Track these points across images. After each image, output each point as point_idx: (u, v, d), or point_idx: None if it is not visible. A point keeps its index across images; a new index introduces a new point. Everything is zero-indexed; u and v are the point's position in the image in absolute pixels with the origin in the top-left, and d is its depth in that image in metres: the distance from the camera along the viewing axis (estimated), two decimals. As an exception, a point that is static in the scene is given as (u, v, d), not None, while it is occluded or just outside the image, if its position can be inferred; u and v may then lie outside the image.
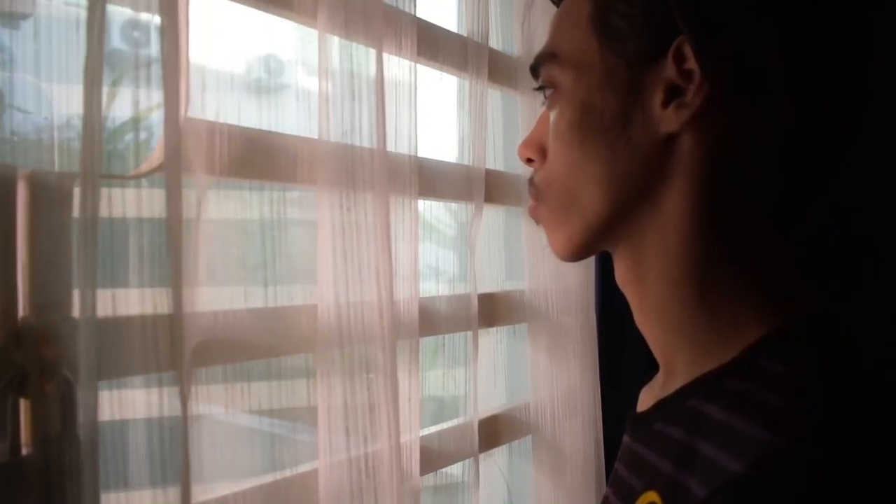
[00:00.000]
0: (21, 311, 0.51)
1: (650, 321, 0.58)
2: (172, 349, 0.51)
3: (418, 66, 0.85)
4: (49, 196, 0.51)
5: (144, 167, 0.60)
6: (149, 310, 0.53)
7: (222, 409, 0.58)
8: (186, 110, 0.61)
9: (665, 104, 0.52)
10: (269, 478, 0.61)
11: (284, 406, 0.61)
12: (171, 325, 0.50)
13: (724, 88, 0.51)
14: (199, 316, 0.57)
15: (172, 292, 0.49)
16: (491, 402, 1.07)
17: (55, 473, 0.50)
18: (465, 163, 0.91)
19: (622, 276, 0.59)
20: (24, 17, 0.56)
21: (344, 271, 0.60)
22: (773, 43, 0.50)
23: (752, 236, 0.54)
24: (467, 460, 0.92)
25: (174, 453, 0.52)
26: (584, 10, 0.56)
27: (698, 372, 0.54)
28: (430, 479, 0.92)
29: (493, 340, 1.08)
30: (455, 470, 0.93)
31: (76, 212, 0.50)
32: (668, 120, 0.52)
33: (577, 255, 0.59)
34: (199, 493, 0.58)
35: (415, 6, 0.77)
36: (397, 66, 0.75)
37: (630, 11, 0.53)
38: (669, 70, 0.52)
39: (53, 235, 0.51)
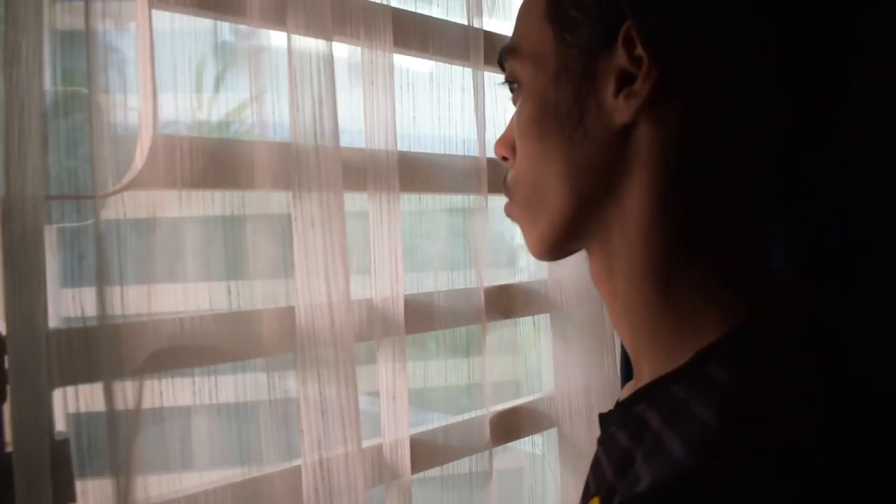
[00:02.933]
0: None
1: (620, 319, 0.57)
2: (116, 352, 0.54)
3: (411, 58, 0.84)
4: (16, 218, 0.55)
5: (118, 186, 0.64)
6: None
7: (184, 404, 0.61)
8: (156, 126, 0.64)
9: (617, 93, 0.50)
10: (238, 477, 0.64)
11: (250, 403, 0.63)
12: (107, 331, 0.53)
13: (683, 79, 0.48)
14: (161, 322, 0.61)
15: (97, 297, 0.52)
16: (543, 389, 1.06)
17: (34, 468, 0.54)
18: (467, 154, 0.89)
19: (594, 273, 0.58)
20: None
21: (293, 275, 0.61)
22: (769, 44, 0.47)
23: (729, 233, 0.51)
24: (482, 453, 0.91)
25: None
26: (541, 2, 0.54)
27: (658, 373, 0.52)
28: (444, 470, 0.91)
29: (540, 329, 1.06)
30: (476, 461, 0.93)
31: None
32: (621, 110, 0.50)
33: (550, 253, 0.58)
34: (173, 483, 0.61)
35: (389, -1, 0.76)
36: (372, 61, 0.74)
37: None
38: (620, 57, 0.50)
39: (24, 252, 0.55)
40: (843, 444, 0.41)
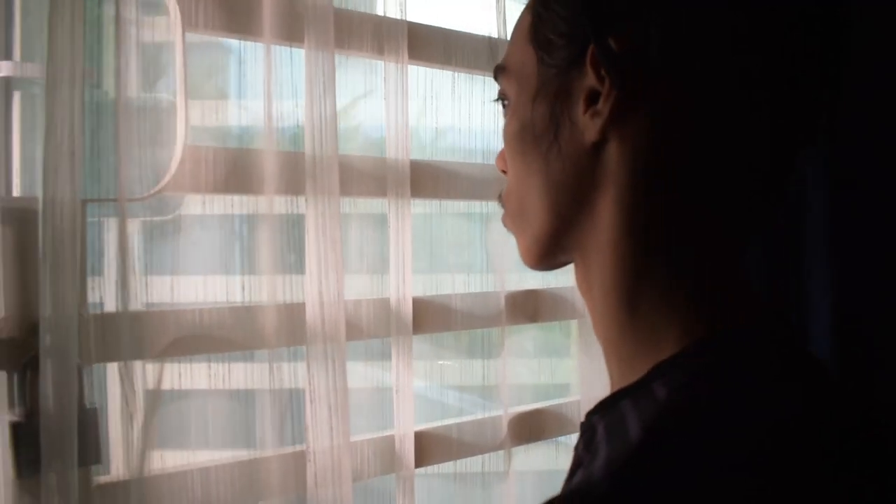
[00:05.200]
0: (39, 309, 0.64)
1: (597, 330, 0.59)
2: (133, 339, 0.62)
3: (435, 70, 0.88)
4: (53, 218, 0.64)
5: (156, 189, 0.72)
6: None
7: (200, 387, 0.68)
8: (186, 138, 0.72)
9: (586, 112, 0.52)
10: (244, 456, 0.71)
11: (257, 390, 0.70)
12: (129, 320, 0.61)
13: (650, 98, 0.49)
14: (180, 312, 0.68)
15: (121, 291, 0.60)
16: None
17: (57, 433, 0.63)
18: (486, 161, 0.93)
19: (578, 285, 0.60)
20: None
21: (290, 273, 0.67)
22: (740, 65, 0.48)
23: (700, 249, 0.52)
24: (499, 453, 0.94)
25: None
26: (526, 23, 0.57)
27: (622, 386, 0.54)
28: (463, 467, 0.95)
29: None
30: (492, 460, 0.96)
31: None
32: (589, 128, 0.52)
33: (539, 264, 0.61)
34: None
35: (404, 13, 0.80)
36: (382, 73, 0.79)
37: (557, 20, 0.54)
38: (590, 77, 0.52)
39: (54, 248, 0.63)
40: (771, 466, 0.42)
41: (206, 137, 0.78)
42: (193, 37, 0.73)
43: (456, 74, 0.90)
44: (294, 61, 0.72)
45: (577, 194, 0.53)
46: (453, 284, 0.92)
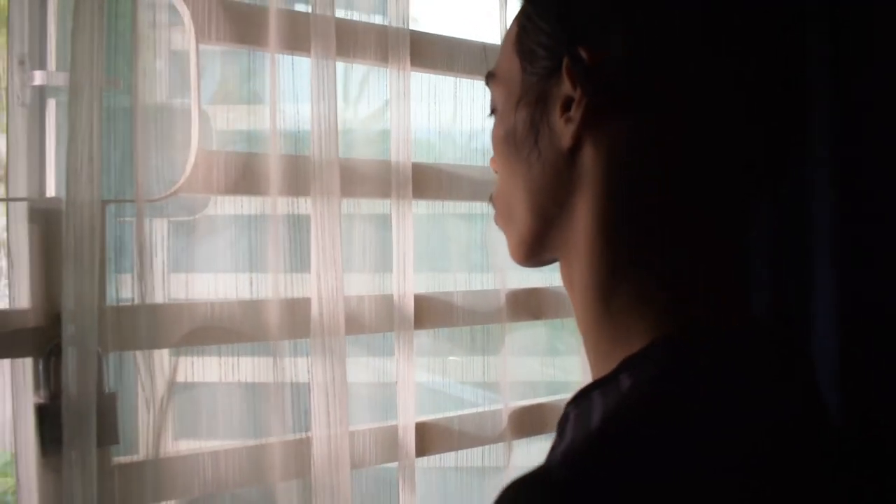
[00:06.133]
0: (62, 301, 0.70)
1: (580, 326, 0.61)
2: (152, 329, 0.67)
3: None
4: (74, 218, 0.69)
5: (171, 191, 0.77)
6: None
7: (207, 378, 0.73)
8: (199, 142, 0.77)
9: (561, 118, 0.55)
10: (251, 441, 0.75)
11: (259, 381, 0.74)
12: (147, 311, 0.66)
13: (624, 105, 0.52)
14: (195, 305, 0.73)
15: (138, 285, 0.65)
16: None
17: (77, 415, 0.68)
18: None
19: (563, 282, 0.62)
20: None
21: (291, 270, 0.71)
22: (716, 69, 0.50)
23: (679, 249, 0.53)
24: (498, 444, 0.98)
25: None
26: (513, 33, 0.60)
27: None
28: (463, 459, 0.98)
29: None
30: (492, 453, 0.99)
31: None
32: (564, 134, 0.55)
33: (527, 262, 0.63)
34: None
35: (406, 22, 0.85)
36: (385, 80, 0.83)
37: (538, 32, 0.57)
38: (566, 85, 0.54)
39: (84, 247, 0.69)
40: (769, 466, 0.43)
41: (241, 141, 0.83)
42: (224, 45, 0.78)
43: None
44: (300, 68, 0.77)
45: (556, 197, 0.55)
46: (455, 283, 0.95)
